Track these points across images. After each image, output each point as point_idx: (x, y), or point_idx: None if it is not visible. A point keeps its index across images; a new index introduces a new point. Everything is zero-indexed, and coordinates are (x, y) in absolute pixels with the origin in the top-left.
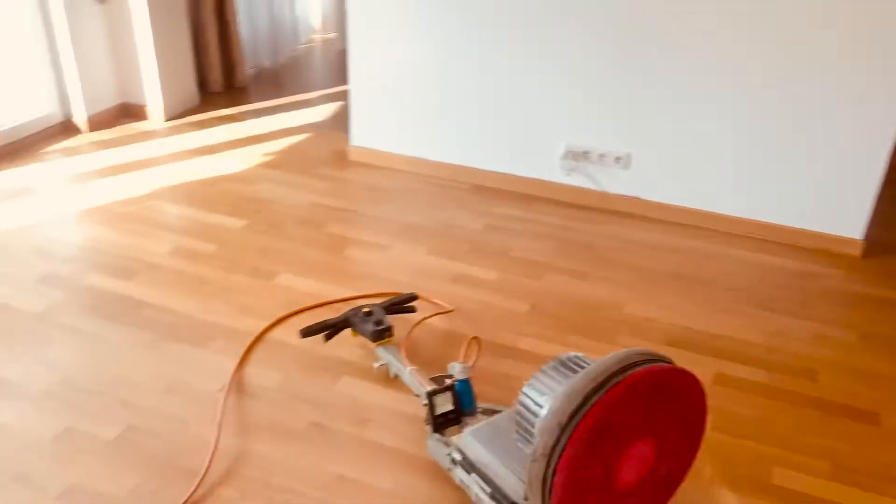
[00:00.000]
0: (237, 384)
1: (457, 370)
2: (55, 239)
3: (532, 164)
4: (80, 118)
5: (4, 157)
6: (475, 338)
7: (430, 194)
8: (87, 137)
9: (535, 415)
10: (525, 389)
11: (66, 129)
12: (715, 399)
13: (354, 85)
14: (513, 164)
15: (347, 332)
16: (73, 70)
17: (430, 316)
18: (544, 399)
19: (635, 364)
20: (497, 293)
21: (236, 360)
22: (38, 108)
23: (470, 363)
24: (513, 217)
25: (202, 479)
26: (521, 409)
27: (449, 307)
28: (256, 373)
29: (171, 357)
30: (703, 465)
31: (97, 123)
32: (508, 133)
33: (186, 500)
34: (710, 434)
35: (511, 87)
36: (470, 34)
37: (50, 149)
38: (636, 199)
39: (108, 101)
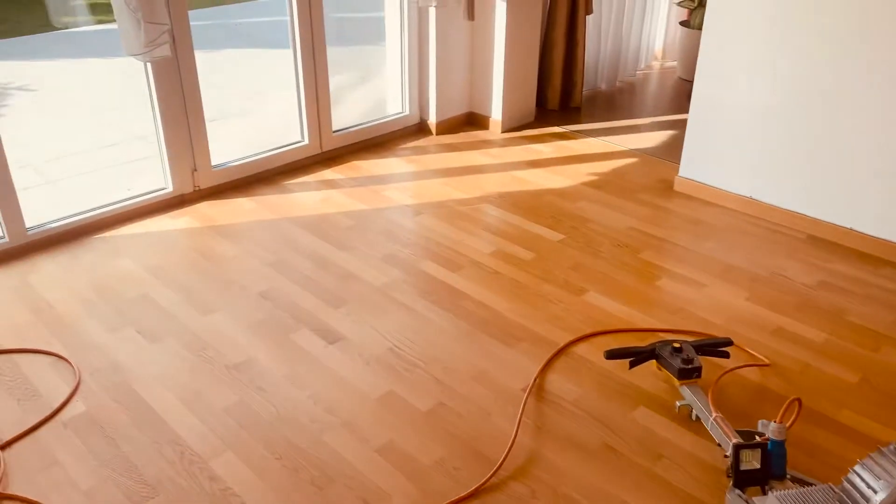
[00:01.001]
0: (538, 388)
1: (771, 429)
2: (399, 224)
3: (883, 222)
4: (432, 122)
5: (369, 149)
6: (797, 399)
7: (757, 238)
8: (435, 139)
9: (867, 499)
10: (857, 469)
11: (420, 129)
12: None
13: (693, 115)
14: (858, 219)
15: (651, 362)
16: (433, 78)
17: (744, 366)
18: (880, 484)
19: None
20: (822, 357)
21: (539, 365)
22: (401, 109)
23: (787, 425)
24: (852, 277)
25: (497, 468)
26: (850, 488)
27: (765, 360)
28: (557, 382)
29: (482, 348)
30: None
31: (445, 128)
32: (857, 185)
33: (481, 485)
34: None
35: (864, 135)
36: (822, 76)
37: (405, 146)
38: None
39: (457, 108)
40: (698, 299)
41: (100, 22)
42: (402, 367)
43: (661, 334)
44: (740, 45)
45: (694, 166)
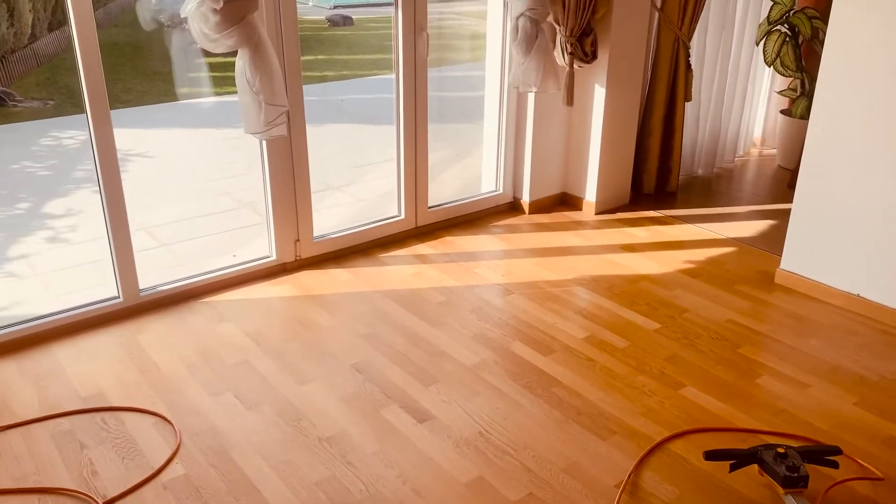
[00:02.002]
0: (632, 485)
1: None
2: (490, 303)
3: None
4: (525, 200)
5: (462, 225)
6: None
7: (867, 338)
8: (527, 218)
9: None
10: None
11: (513, 208)
12: None
13: (797, 207)
14: None
15: (753, 466)
16: (528, 158)
17: (854, 479)
18: None
19: None
20: None
21: (634, 461)
22: (495, 187)
23: None
24: None
25: None
26: None
27: (878, 474)
28: (652, 480)
29: (573, 439)
30: None
31: (537, 207)
32: None
33: None
34: None
35: None
36: None
37: (497, 223)
38: None
39: (551, 189)
40: (802, 401)
41: (217, 94)
42: (491, 453)
43: (763, 437)
44: (850, 138)
45: (797, 259)
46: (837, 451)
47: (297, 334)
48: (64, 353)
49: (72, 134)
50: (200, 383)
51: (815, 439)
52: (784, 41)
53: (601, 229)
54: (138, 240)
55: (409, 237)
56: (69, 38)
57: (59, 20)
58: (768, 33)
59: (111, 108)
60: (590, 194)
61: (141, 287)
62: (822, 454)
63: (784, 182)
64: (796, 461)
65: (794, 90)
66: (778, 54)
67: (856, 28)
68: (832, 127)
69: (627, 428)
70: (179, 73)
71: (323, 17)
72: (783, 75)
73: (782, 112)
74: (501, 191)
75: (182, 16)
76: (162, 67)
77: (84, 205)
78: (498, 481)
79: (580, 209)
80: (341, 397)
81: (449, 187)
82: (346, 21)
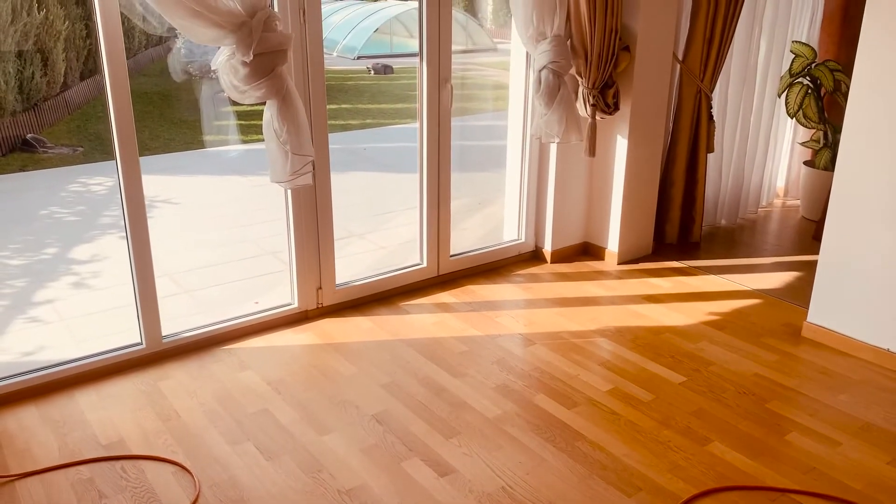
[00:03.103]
0: None
1: None
2: (512, 353)
3: None
4: (547, 250)
5: (484, 274)
6: None
7: None
8: (549, 268)
9: None
10: None
11: (534, 257)
12: None
13: (824, 259)
14: None
15: None
16: (550, 207)
17: None
18: None
19: None
20: None
21: None
22: (516, 236)
23: None
24: None
25: None
26: None
27: None
28: None
29: (598, 495)
30: None
31: (559, 256)
32: None
33: None
34: None
35: None
36: None
37: (519, 272)
38: None
39: (573, 238)
40: (833, 459)
41: (243, 142)
42: None
43: (793, 496)
44: (875, 190)
45: (824, 312)
46: None
47: (317, 383)
48: (86, 400)
49: (100, 180)
50: (220, 432)
51: (849, 500)
52: (806, 93)
53: (624, 279)
54: (162, 286)
55: (431, 285)
56: (100, 87)
57: (90, 69)
58: (790, 85)
59: (140, 156)
60: (612, 244)
61: (164, 333)
62: None
63: (808, 233)
64: None
65: (818, 141)
66: (800, 106)
67: (880, 80)
68: (857, 179)
69: (653, 484)
70: (207, 122)
71: (348, 67)
72: (806, 127)
73: (805, 163)
74: (524, 239)
75: (213, 68)
76: (189, 116)
77: (109, 251)
78: None
79: (602, 259)
80: (362, 448)
81: (471, 235)
82: (388, 70)
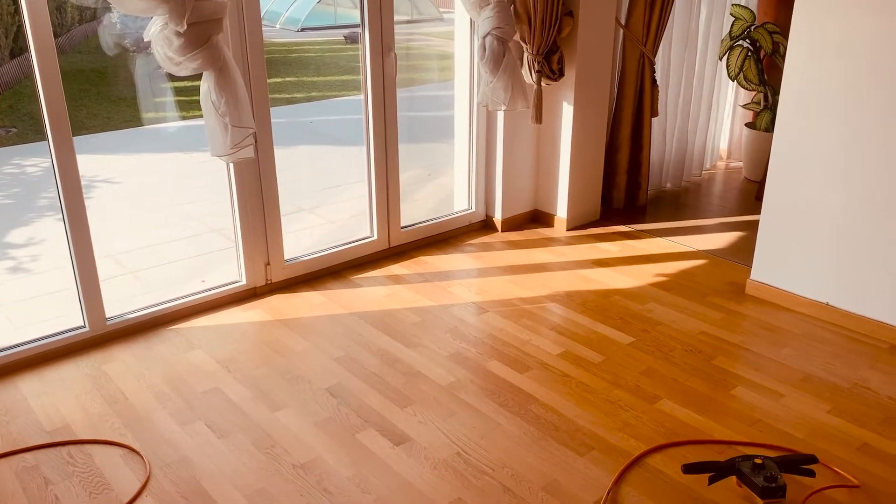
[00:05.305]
0: (611, 502)
1: None
2: (465, 321)
3: None
4: (497, 218)
5: (436, 245)
6: None
7: (837, 346)
8: (500, 236)
9: None
10: None
11: (485, 226)
12: None
13: (766, 218)
14: None
15: (731, 477)
16: (499, 176)
17: (831, 487)
18: None
19: None
20: None
21: (612, 477)
22: (467, 206)
23: None
24: None
25: None
26: None
27: (854, 481)
28: (632, 496)
29: (551, 456)
30: None
31: (510, 225)
32: None
33: None
34: None
35: None
36: None
37: (470, 242)
38: None
39: (523, 206)
40: (777, 411)
41: (183, 118)
42: (470, 473)
43: (740, 448)
44: (813, 148)
45: (767, 270)
46: (814, 460)
47: (269, 360)
48: (28, 386)
49: (35, 161)
50: (170, 413)
51: (792, 449)
52: (746, 56)
53: (573, 245)
54: (104, 267)
55: (383, 258)
56: (31, 65)
57: (20, 47)
58: (731, 48)
59: (76, 135)
60: (561, 211)
61: (108, 315)
62: (799, 463)
63: (751, 194)
64: (774, 471)
65: (758, 103)
66: (741, 69)
67: (816, 41)
68: (796, 139)
69: (605, 443)
70: (145, 98)
71: (292, 39)
72: (746, 89)
73: (747, 125)
74: (474, 209)
75: (145, 39)
76: (127, 93)
77: (47, 233)
78: (477, 502)
79: (552, 226)
80: (316, 423)
81: (422, 207)
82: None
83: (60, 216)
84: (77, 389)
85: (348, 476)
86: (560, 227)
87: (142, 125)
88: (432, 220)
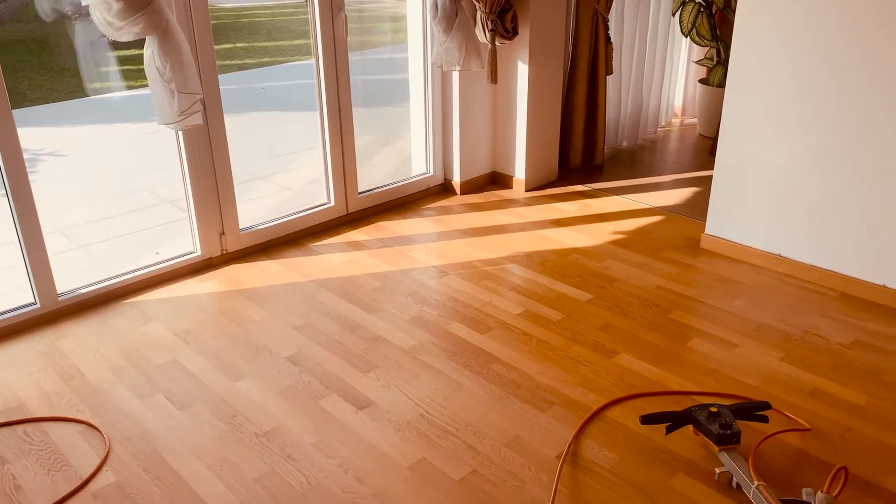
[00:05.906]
0: (573, 455)
1: (819, 499)
2: (426, 285)
3: None
4: (456, 182)
5: (395, 209)
6: (843, 468)
7: (788, 296)
8: (459, 199)
9: None
10: None
11: (444, 189)
12: None
13: (719, 173)
14: (892, 276)
15: (688, 426)
16: (457, 139)
17: (784, 431)
18: None
19: None
20: (864, 420)
21: (573, 431)
22: (425, 170)
23: (834, 494)
24: (889, 336)
25: None
26: None
27: (805, 425)
28: (592, 448)
29: (513, 413)
30: None
31: (469, 187)
32: (890, 241)
33: None
34: None
35: (894, 191)
36: (851, 130)
37: (429, 206)
38: None
39: (481, 169)
40: (731, 360)
41: (130, 88)
42: (433, 434)
43: (696, 397)
44: (764, 102)
45: (720, 224)
46: (767, 406)
47: (227, 330)
48: None
49: None
50: (128, 387)
51: (746, 396)
52: (699, 11)
53: (532, 206)
54: (53, 243)
55: (341, 224)
56: None
57: None
58: (683, 4)
59: (19, 107)
60: (519, 172)
61: (59, 291)
62: (753, 410)
63: (705, 150)
64: (728, 419)
65: (711, 59)
66: (693, 24)
67: None
68: (747, 93)
69: (565, 398)
70: (88, 67)
71: (241, 5)
72: (699, 45)
73: (700, 81)
74: (432, 173)
75: (83, 3)
76: (71, 62)
77: None
78: (441, 462)
79: (510, 187)
80: (277, 391)
81: (380, 171)
82: None
83: (3, 191)
84: (31, 367)
85: (312, 442)
86: (518, 189)
87: (87, 95)
88: (390, 184)
